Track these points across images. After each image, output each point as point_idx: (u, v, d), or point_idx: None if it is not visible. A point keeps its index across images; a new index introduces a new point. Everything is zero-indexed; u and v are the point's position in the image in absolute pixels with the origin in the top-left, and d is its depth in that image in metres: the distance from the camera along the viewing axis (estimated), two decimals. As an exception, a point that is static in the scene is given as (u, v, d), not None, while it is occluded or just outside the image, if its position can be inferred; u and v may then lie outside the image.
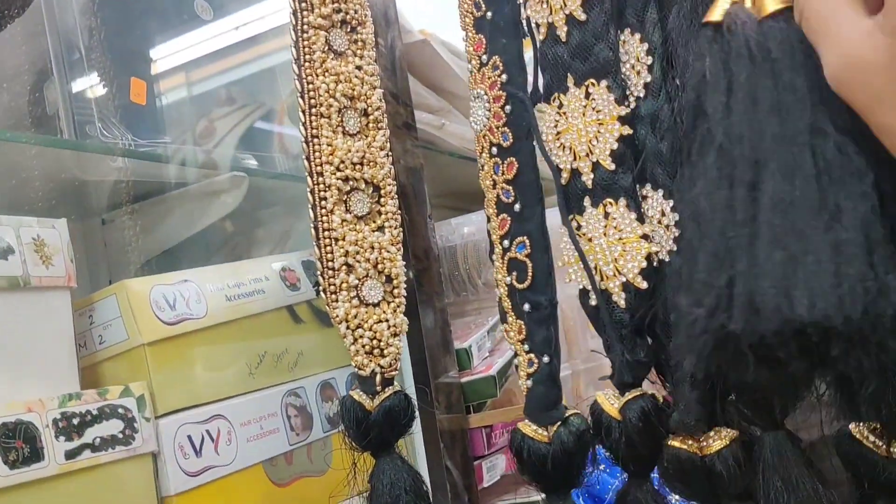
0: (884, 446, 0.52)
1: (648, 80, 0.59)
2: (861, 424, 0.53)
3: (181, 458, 0.64)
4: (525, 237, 0.65)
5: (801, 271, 0.40)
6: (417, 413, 0.91)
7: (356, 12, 0.73)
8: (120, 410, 0.61)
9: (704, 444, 0.56)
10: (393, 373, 0.69)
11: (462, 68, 1.23)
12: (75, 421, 0.58)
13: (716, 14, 0.49)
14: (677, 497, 0.63)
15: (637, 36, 0.60)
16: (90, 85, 0.80)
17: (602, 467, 0.98)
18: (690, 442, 0.56)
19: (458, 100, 1.24)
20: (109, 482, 0.60)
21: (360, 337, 0.68)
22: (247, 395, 0.72)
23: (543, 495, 0.65)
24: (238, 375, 0.72)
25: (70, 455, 0.57)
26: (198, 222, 0.85)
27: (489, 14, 0.67)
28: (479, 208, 1.20)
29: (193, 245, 0.92)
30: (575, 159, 0.61)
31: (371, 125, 0.72)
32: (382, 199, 0.72)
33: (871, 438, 0.52)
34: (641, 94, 0.59)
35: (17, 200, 0.80)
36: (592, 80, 0.60)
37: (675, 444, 0.57)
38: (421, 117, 1.12)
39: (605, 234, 0.60)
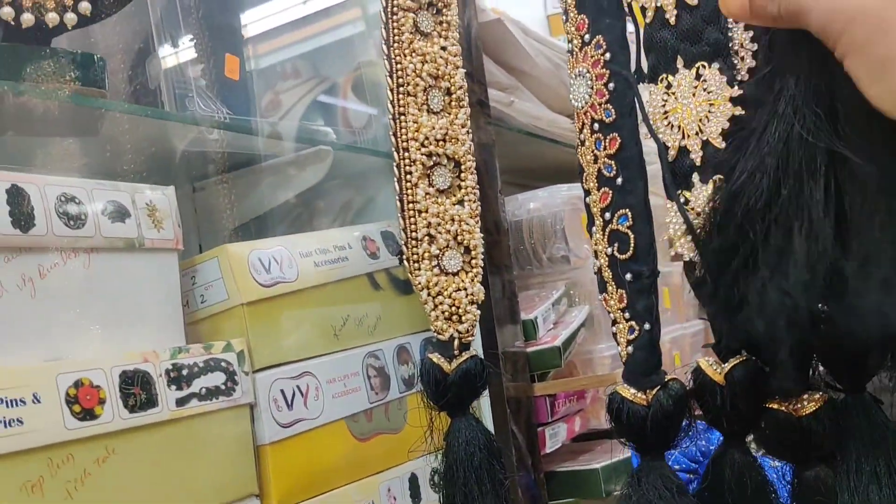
0: None
1: (753, 65, 0.61)
2: None
3: (275, 410, 0.70)
4: (627, 209, 0.67)
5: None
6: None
7: (442, -6, 0.77)
8: (223, 364, 0.66)
9: (799, 406, 0.59)
10: (470, 338, 0.74)
11: (532, 47, 1.26)
12: (184, 372, 0.63)
13: None
14: (770, 458, 0.66)
15: (741, 23, 0.62)
16: (188, 60, 0.85)
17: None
18: (787, 405, 0.60)
19: (528, 77, 1.27)
20: (213, 429, 0.65)
21: (441, 304, 0.72)
22: (332, 355, 0.77)
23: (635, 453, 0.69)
24: (324, 336, 0.77)
25: (180, 402, 0.62)
26: (284, 193, 0.90)
27: None
28: (544, 184, 1.24)
29: (261, 215, 0.96)
30: (684, 137, 0.63)
31: (454, 103, 0.76)
32: (462, 175, 0.75)
33: None
34: (746, 79, 0.62)
35: (111, 167, 0.86)
36: (703, 63, 0.62)
37: (774, 406, 0.60)
38: (491, 94, 1.16)
39: None
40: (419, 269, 0.72)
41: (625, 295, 0.68)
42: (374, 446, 0.79)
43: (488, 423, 0.95)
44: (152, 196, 0.67)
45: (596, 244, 0.70)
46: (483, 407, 0.96)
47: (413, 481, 0.83)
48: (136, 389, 0.60)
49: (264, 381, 0.70)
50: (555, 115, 1.32)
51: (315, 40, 1.21)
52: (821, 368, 0.62)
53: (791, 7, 0.44)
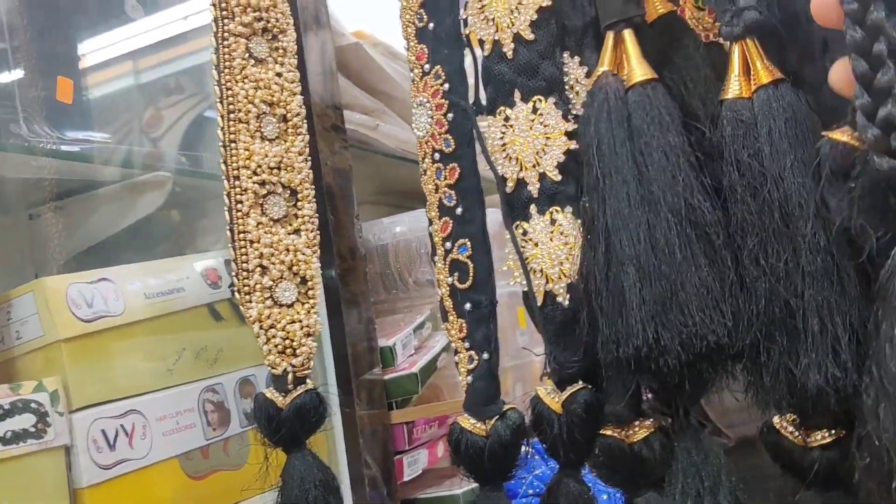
0: (801, 436, 0.56)
1: (585, 105, 0.62)
2: (782, 417, 0.57)
3: (94, 451, 0.66)
4: (467, 239, 0.67)
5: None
6: (338, 409, 0.94)
7: (278, 20, 0.75)
8: (32, 405, 0.63)
9: (631, 433, 0.60)
10: (305, 371, 0.72)
11: (397, 70, 1.26)
12: (-14, 415, 0.60)
13: (592, 79, 0.55)
14: (602, 485, 0.67)
15: (576, 59, 0.63)
16: (16, 83, 0.81)
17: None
18: (620, 431, 0.60)
19: (393, 101, 1.26)
20: (21, 474, 0.62)
21: (273, 337, 0.70)
22: (164, 391, 0.74)
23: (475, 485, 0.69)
24: (155, 371, 0.74)
25: (-20, 448, 0.59)
26: (122, 220, 0.87)
27: (431, 25, 0.69)
28: (412, 207, 1.24)
29: (136, 236, 0.93)
30: (521, 169, 0.63)
31: (290, 130, 0.74)
32: (299, 203, 0.74)
33: (790, 429, 0.56)
34: (580, 113, 0.62)
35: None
36: (539, 97, 0.63)
37: (608, 432, 0.61)
38: (355, 118, 1.15)
39: (551, 240, 0.62)
40: (251, 301, 0.70)
41: (465, 325, 0.68)
42: (210, 484, 0.77)
43: (341, 454, 0.94)
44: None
45: (438, 273, 0.70)
46: (337, 437, 0.95)
47: (255, 519, 0.81)
48: (-71, 437, 0.56)
49: (82, 421, 0.66)
50: (422, 138, 1.32)
51: (200, 55, 1.18)
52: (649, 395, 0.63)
53: None
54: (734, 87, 0.55)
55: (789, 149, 0.51)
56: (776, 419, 0.57)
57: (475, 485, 1.09)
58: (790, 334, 0.50)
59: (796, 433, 0.55)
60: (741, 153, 0.53)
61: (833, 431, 0.54)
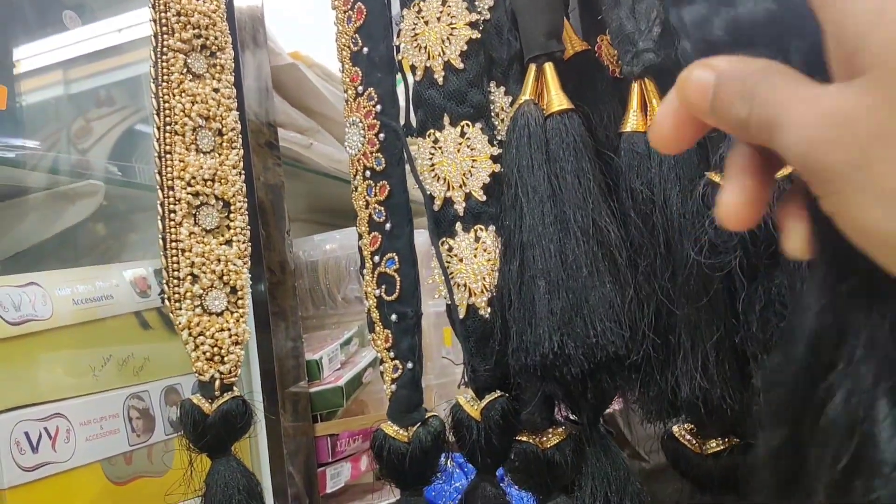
0: (698, 444, 0.60)
1: (507, 130, 0.66)
2: (682, 425, 0.61)
3: (17, 453, 0.67)
4: (395, 253, 0.70)
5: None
6: (263, 420, 0.96)
7: (216, 38, 0.77)
8: (-45, 406, 0.63)
9: (545, 439, 0.64)
10: (233, 379, 0.74)
11: (332, 91, 1.29)
12: None
13: (515, 107, 0.59)
14: (516, 488, 0.70)
15: (502, 89, 0.68)
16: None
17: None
18: (534, 438, 0.64)
19: (328, 121, 1.29)
20: (-59, 475, 0.62)
21: (202, 344, 0.72)
22: (88, 396, 0.75)
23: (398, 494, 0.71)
24: (81, 377, 0.75)
25: None
26: (51, 227, 0.87)
27: (365, 50, 0.72)
28: (343, 225, 1.26)
29: (64, 245, 0.93)
30: (449, 189, 0.67)
31: (225, 144, 0.77)
32: (232, 215, 0.76)
33: (688, 437, 0.61)
34: (504, 139, 0.66)
35: None
36: (467, 122, 0.66)
37: (523, 439, 0.64)
38: (289, 136, 1.17)
39: (475, 256, 0.66)
40: (180, 308, 0.72)
41: (390, 335, 0.71)
42: (132, 490, 0.77)
43: (264, 465, 0.95)
44: None
45: (366, 286, 0.73)
46: (260, 447, 0.96)
47: (177, 526, 0.81)
48: None
49: (6, 423, 0.67)
50: (355, 158, 1.35)
51: (134, 68, 1.18)
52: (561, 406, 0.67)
53: (763, 116, 0.31)
54: (632, 121, 0.60)
55: (676, 180, 0.56)
56: (675, 428, 0.61)
57: (396, 499, 1.11)
58: (669, 348, 0.55)
59: (694, 441, 0.60)
60: (635, 182, 0.58)
61: (726, 440, 0.59)
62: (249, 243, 0.77)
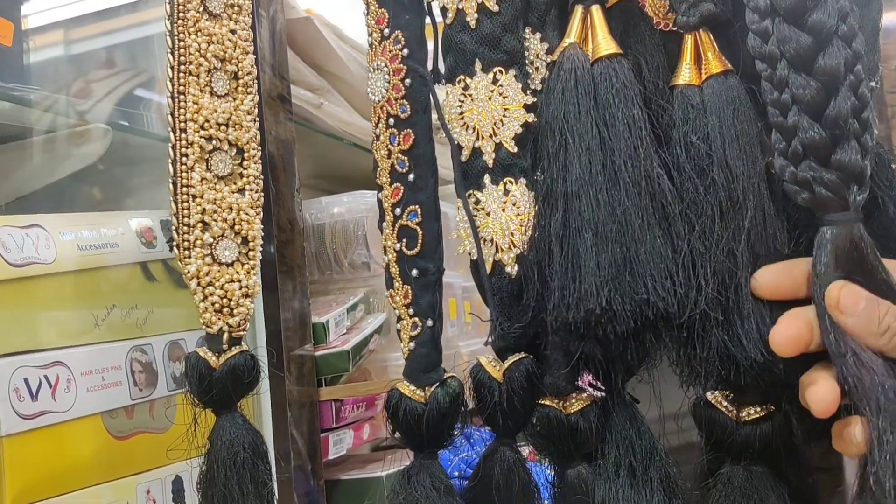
0: (734, 411, 0.57)
1: (546, 76, 0.63)
2: (717, 392, 0.59)
3: (15, 400, 0.64)
4: (417, 206, 0.67)
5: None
6: (267, 380, 0.93)
7: (234, -23, 0.74)
8: (-47, 347, 0.60)
9: (568, 404, 0.61)
10: (241, 332, 0.71)
11: (346, 52, 1.25)
12: None
13: (559, 50, 0.56)
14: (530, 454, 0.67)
15: (538, 35, 0.64)
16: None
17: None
18: (558, 402, 0.61)
19: (340, 82, 1.25)
20: (-64, 418, 0.59)
21: (211, 294, 0.69)
22: (91, 346, 0.72)
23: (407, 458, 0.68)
24: (83, 325, 0.72)
25: None
26: (57, 171, 0.84)
27: None
28: (349, 191, 1.23)
29: (67, 191, 0.90)
30: (478, 139, 0.63)
31: (240, 88, 0.73)
32: (245, 162, 0.73)
33: (725, 404, 0.58)
34: (539, 88, 0.63)
35: None
36: (500, 68, 0.63)
37: (546, 402, 0.61)
38: (299, 94, 1.13)
39: (503, 210, 0.62)
40: (189, 257, 0.69)
41: (410, 291, 0.68)
42: (133, 445, 0.75)
43: (267, 426, 0.92)
44: None
45: (385, 240, 0.70)
46: (264, 410, 0.93)
47: (177, 483, 0.79)
48: None
49: (5, 368, 0.64)
50: (366, 122, 1.31)
51: (136, 30, 1.15)
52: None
53: None
54: (685, 74, 0.57)
55: (735, 137, 0.53)
56: (710, 394, 0.58)
57: (400, 468, 1.09)
58: (728, 310, 0.52)
59: (731, 408, 0.57)
60: (690, 136, 0.55)
61: (763, 407, 0.56)
62: (262, 193, 0.74)
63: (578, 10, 0.58)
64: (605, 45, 0.56)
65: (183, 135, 0.69)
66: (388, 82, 0.68)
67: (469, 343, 1.36)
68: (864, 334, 0.45)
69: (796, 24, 0.48)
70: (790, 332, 0.48)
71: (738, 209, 0.52)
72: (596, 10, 0.58)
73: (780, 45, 0.49)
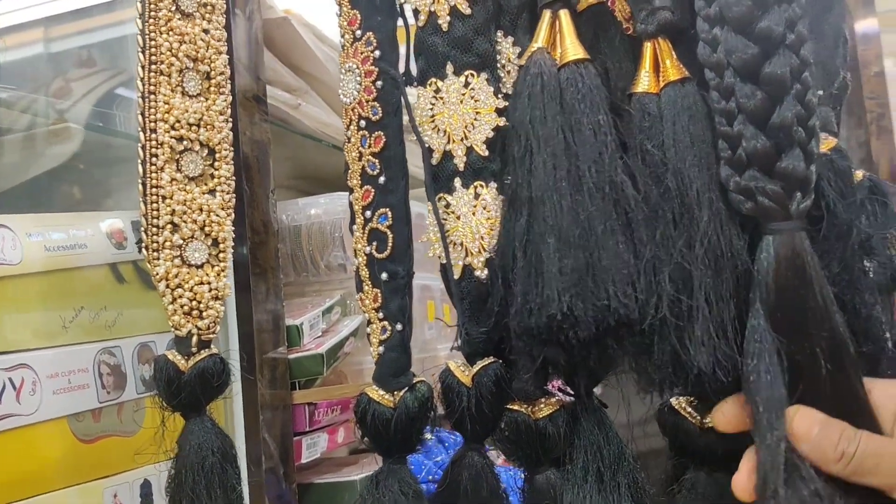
0: (699, 417, 0.57)
1: (517, 80, 0.62)
2: (681, 398, 0.58)
3: (-22, 403, 0.63)
4: (388, 209, 0.66)
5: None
6: (239, 383, 0.92)
7: (208, -24, 0.73)
8: (-87, 348, 0.59)
9: (536, 409, 0.61)
10: (211, 335, 0.70)
11: (324, 52, 1.24)
12: None
13: (527, 54, 0.56)
14: (502, 460, 0.67)
15: (510, 39, 0.64)
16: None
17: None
18: (526, 407, 0.61)
19: (318, 82, 1.25)
20: None
21: (180, 297, 0.68)
22: (57, 348, 0.71)
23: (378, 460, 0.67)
24: (50, 327, 0.71)
25: None
26: (27, 170, 0.83)
27: None
28: (328, 192, 1.22)
29: (36, 192, 0.88)
30: (449, 142, 0.63)
31: (213, 88, 0.73)
32: (217, 163, 0.72)
33: (689, 410, 0.58)
34: (510, 92, 0.63)
35: None
36: (472, 71, 0.62)
37: (514, 408, 0.61)
38: (277, 95, 1.13)
39: (473, 214, 0.62)
40: (158, 258, 0.68)
41: (380, 294, 0.67)
42: (100, 449, 0.74)
43: (239, 430, 0.91)
44: None
45: (356, 242, 0.69)
46: (235, 413, 0.92)
47: (146, 487, 0.78)
48: None
49: (-33, 370, 0.63)
50: (344, 123, 1.31)
51: (117, 28, 1.14)
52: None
53: (857, 468, 0.46)
54: (644, 82, 0.56)
55: (690, 144, 0.53)
56: (674, 400, 0.58)
57: (373, 472, 1.09)
58: (684, 315, 0.52)
59: (694, 414, 0.57)
60: (646, 143, 0.54)
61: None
62: (234, 195, 0.73)
63: (546, 14, 0.58)
64: (572, 50, 0.56)
65: (153, 135, 0.68)
66: (360, 84, 0.67)
67: (448, 346, 1.35)
68: (820, 461, 0.46)
69: (744, 33, 0.49)
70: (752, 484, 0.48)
71: (693, 215, 0.52)
72: (564, 14, 0.57)
73: (728, 54, 0.49)
